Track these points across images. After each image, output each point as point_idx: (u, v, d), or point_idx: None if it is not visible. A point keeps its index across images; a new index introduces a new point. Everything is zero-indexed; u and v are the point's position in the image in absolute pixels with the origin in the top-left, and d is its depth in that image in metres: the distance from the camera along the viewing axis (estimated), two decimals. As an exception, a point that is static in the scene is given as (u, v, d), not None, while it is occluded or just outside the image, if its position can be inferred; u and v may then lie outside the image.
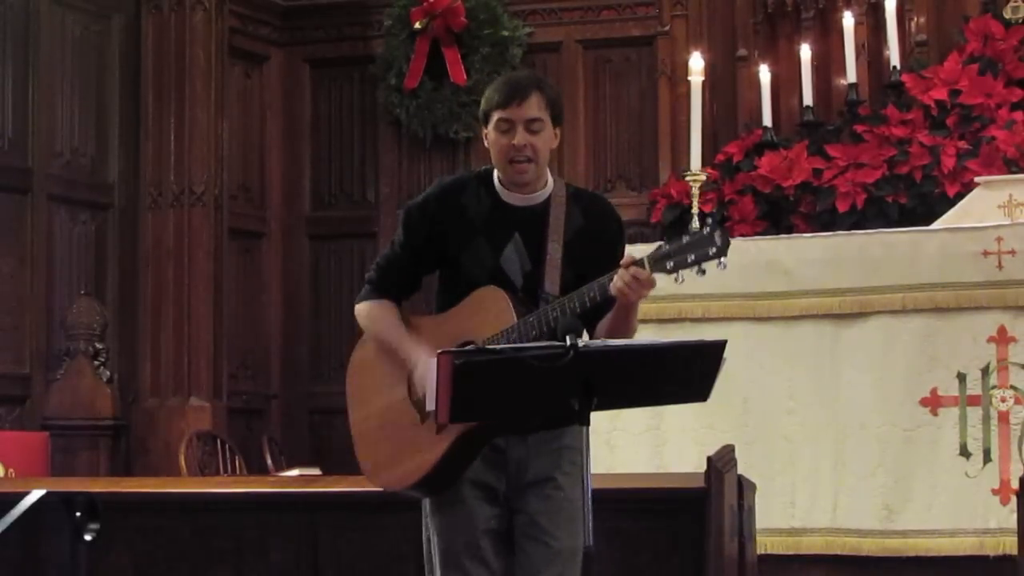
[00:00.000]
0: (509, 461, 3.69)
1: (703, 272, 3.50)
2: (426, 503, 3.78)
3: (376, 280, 3.88)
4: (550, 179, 3.80)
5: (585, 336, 3.38)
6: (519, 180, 3.74)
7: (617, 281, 3.51)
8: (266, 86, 9.01)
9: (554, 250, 3.70)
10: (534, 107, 3.70)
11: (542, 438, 3.69)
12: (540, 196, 3.77)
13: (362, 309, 3.87)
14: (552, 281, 3.67)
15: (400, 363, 3.75)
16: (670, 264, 3.50)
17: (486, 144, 3.80)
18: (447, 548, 3.71)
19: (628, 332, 3.68)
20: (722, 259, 3.48)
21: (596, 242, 3.69)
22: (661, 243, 3.55)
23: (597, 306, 3.61)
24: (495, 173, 3.80)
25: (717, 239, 3.46)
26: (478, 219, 3.76)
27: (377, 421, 3.78)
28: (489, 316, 3.65)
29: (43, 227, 7.76)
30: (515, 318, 3.62)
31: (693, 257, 3.48)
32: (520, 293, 3.68)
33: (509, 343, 3.58)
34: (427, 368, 3.59)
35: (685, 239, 3.51)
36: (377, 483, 3.79)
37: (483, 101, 3.79)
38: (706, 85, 7.75)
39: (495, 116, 3.72)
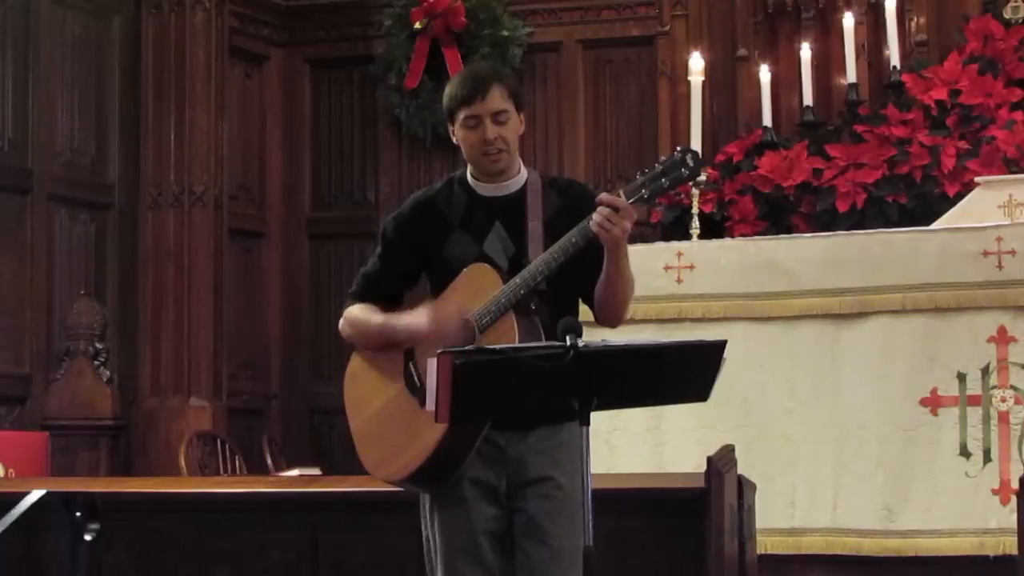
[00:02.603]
0: (509, 459, 3.69)
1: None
2: (425, 502, 3.79)
3: (358, 293, 3.92)
4: (523, 168, 3.85)
5: (585, 335, 3.39)
6: (494, 169, 3.77)
7: (596, 217, 3.55)
8: (266, 86, 9.01)
9: (534, 228, 3.74)
10: (498, 99, 3.75)
11: (542, 436, 3.70)
12: (515, 184, 3.81)
13: (344, 318, 3.90)
14: (536, 254, 3.69)
15: (393, 356, 3.77)
16: (646, 192, 3.60)
17: (455, 141, 3.82)
18: (446, 549, 3.71)
19: (622, 281, 3.67)
20: (697, 180, 3.60)
21: (576, 219, 3.67)
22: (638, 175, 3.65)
23: (586, 266, 3.62)
24: (468, 170, 3.84)
25: (689, 161, 3.58)
26: (455, 216, 3.80)
27: (376, 420, 3.79)
28: (478, 289, 3.68)
29: (43, 227, 7.76)
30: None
31: (668, 182, 3.60)
32: (506, 275, 3.69)
33: (499, 307, 3.62)
34: (426, 320, 3.67)
35: (658, 166, 3.62)
36: (381, 476, 3.79)
37: (445, 99, 3.81)
38: (706, 85, 7.75)
39: (461, 114, 3.75)
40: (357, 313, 3.87)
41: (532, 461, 3.69)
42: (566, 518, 3.61)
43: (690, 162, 3.58)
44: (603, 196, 3.57)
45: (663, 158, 3.66)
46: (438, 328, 3.67)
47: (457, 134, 3.79)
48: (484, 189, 3.81)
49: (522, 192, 3.79)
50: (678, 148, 3.68)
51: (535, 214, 3.75)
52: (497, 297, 3.64)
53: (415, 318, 3.73)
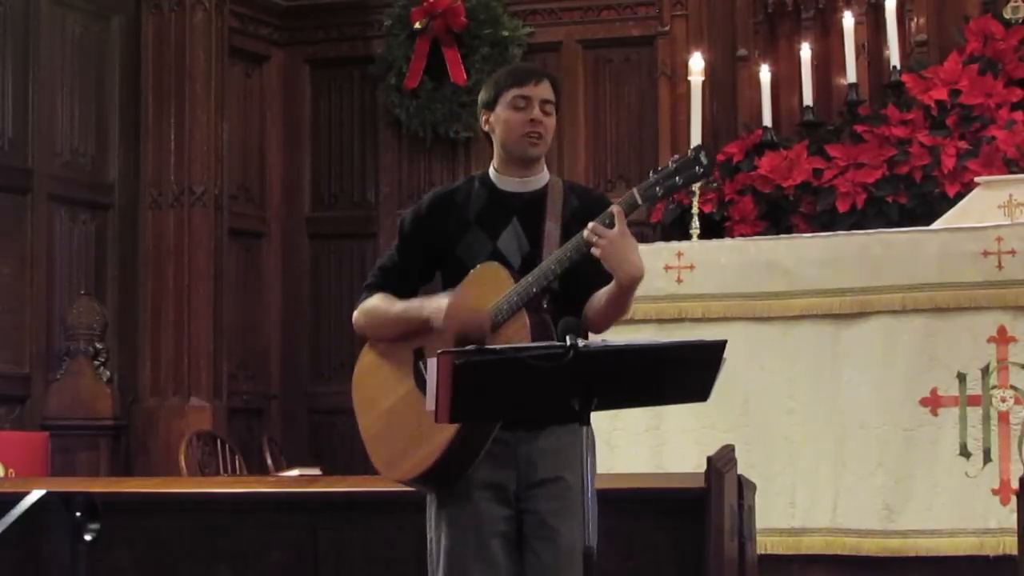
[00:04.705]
0: (519, 459, 3.69)
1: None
2: (432, 503, 3.77)
3: (373, 285, 3.92)
4: (546, 170, 3.88)
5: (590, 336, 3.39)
6: (532, 153, 3.79)
7: (590, 224, 3.60)
8: (266, 86, 9.01)
9: (552, 229, 3.75)
10: (549, 91, 3.82)
11: (552, 436, 3.69)
12: (538, 183, 3.83)
13: (360, 309, 3.89)
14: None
15: (403, 355, 3.77)
16: (660, 190, 3.66)
17: (486, 128, 3.85)
18: (455, 550, 3.69)
19: (620, 310, 3.70)
20: (710, 179, 3.65)
21: (591, 221, 3.69)
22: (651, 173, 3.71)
23: (599, 267, 3.63)
24: (491, 167, 3.86)
25: (703, 159, 3.63)
26: (472, 212, 3.81)
27: (386, 419, 3.78)
28: (489, 288, 3.68)
29: (43, 227, 7.76)
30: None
31: (681, 180, 3.65)
32: (518, 273, 3.70)
33: (511, 305, 3.62)
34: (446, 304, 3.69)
35: (671, 164, 3.66)
36: (392, 476, 3.78)
37: (490, 86, 3.86)
38: (706, 85, 7.76)
39: (511, 94, 3.79)
40: (376, 302, 3.86)
41: (542, 461, 3.69)
42: (576, 518, 3.58)
43: (703, 160, 3.63)
44: (608, 212, 3.61)
45: (676, 156, 3.70)
46: (462, 311, 3.66)
47: (497, 116, 3.80)
48: (507, 184, 3.82)
49: (543, 192, 3.81)
50: (692, 147, 3.72)
51: (554, 215, 3.77)
52: (510, 295, 3.64)
53: (439, 301, 3.73)
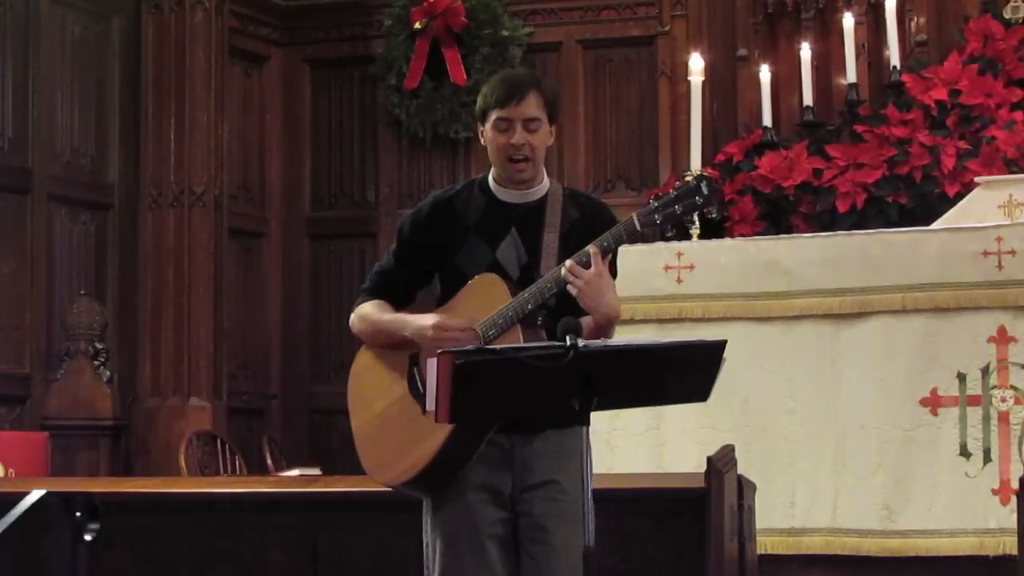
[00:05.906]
0: (515, 462, 3.69)
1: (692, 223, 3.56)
2: (428, 507, 3.77)
3: (371, 289, 3.92)
4: (546, 178, 3.84)
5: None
6: (517, 178, 3.76)
7: (568, 263, 3.60)
8: (266, 86, 9.01)
9: (550, 240, 3.74)
10: (532, 106, 3.73)
11: (549, 440, 3.69)
12: (537, 193, 3.81)
13: (356, 313, 3.89)
14: (548, 269, 3.69)
15: (398, 359, 3.77)
16: (659, 217, 3.62)
17: (483, 141, 3.82)
18: (451, 552, 3.69)
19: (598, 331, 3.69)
20: (711, 208, 3.59)
21: (591, 233, 3.69)
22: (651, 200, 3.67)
23: None
24: (490, 174, 3.84)
25: (704, 189, 3.59)
26: (472, 219, 3.79)
27: (378, 422, 3.78)
28: (486, 300, 3.67)
29: (43, 227, 7.76)
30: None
31: (681, 208, 3.61)
32: (517, 284, 3.69)
33: (506, 320, 3.62)
34: (429, 332, 3.65)
35: (672, 192, 3.63)
36: (380, 480, 3.79)
37: (480, 98, 3.80)
38: (706, 85, 7.76)
39: (493, 115, 3.74)
40: (369, 309, 3.86)
41: (538, 465, 3.69)
42: (571, 520, 3.59)
43: (704, 189, 3.59)
44: (570, 264, 3.59)
45: (678, 184, 3.67)
46: (444, 333, 3.66)
47: (486, 135, 3.78)
48: (505, 194, 3.80)
49: (542, 202, 3.79)
50: (694, 175, 3.69)
51: (553, 226, 3.75)
52: (505, 310, 3.64)
53: (424, 320, 3.73)
